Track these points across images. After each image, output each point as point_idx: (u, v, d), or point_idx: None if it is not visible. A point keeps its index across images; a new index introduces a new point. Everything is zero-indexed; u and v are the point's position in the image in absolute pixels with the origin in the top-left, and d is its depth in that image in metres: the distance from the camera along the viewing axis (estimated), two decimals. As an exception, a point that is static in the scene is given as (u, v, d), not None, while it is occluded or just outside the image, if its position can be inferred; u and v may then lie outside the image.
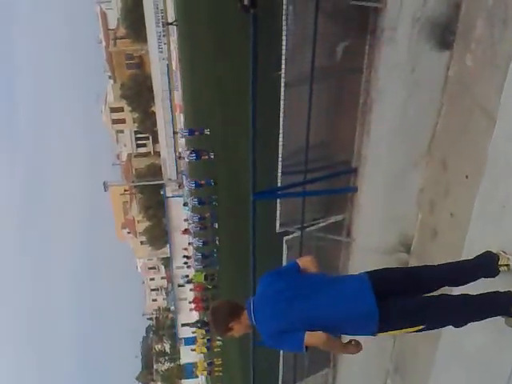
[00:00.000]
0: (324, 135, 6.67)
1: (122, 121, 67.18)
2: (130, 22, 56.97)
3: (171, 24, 42.97)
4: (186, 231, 40.95)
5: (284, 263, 7.08)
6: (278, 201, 6.87)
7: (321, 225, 7.05)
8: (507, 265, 3.51)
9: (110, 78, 68.05)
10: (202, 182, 30.00)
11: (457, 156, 4.50)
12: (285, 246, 7.06)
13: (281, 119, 6.17)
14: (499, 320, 3.46)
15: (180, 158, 40.81)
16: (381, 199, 5.83)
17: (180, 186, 38.86)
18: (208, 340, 41.30)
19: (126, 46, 63.06)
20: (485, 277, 3.54)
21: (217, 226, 30.25)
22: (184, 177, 35.76)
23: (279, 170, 6.57)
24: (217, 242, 31.40)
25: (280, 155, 6.43)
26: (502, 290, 3.41)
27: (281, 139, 6.33)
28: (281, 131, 6.25)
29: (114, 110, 66.28)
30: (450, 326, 3.56)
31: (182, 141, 38.54)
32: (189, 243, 42.37)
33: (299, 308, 3.37)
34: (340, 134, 6.53)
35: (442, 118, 4.72)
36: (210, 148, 27.00)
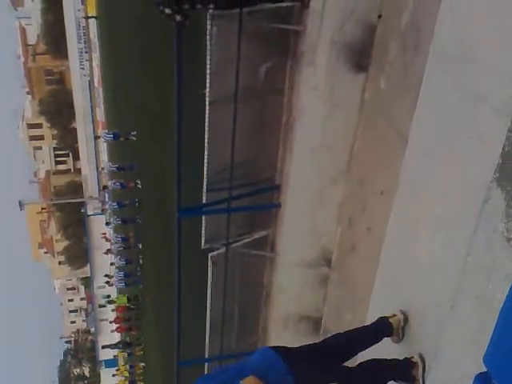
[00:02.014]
0: (248, 153, 6.75)
1: (41, 137, 64.71)
2: (51, 38, 55.34)
3: (90, 17, 42.03)
4: (108, 251, 39.72)
5: (209, 279, 7.06)
6: (204, 217, 6.85)
7: (246, 240, 7.09)
8: (394, 315, 3.78)
9: (28, 93, 65.51)
10: (126, 202, 29.25)
11: (373, 173, 4.70)
12: (210, 262, 7.03)
13: (206, 137, 6.19)
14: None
15: (101, 170, 39.46)
16: (303, 215, 5.97)
17: (103, 210, 37.70)
18: (130, 366, 39.99)
19: (45, 61, 61.09)
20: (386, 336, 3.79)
21: (140, 246, 29.59)
22: (107, 196, 34.72)
23: (204, 187, 6.57)
24: (140, 261, 30.70)
25: (205, 172, 6.44)
26: (401, 358, 3.65)
27: (206, 156, 6.34)
28: (206, 148, 6.26)
29: (31, 126, 63.78)
30: None
31: (104, 157, 37.39)
32: (111, 263, 41.11)
33: None
34: (264, 151, 6.63)
35: (359, 138, 4.93)
36: (135, 162, 26.43)
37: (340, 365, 3.64)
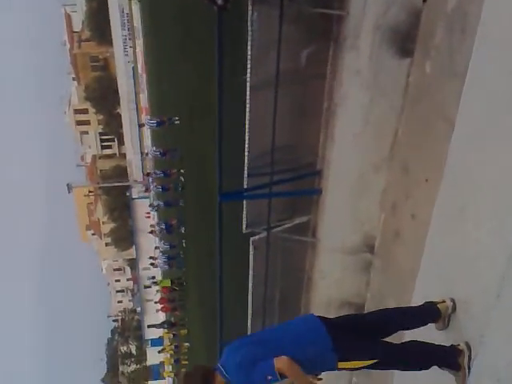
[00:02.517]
0: (289, 138, 6.72)
1: (87, 122, 66.17)
2: (95, 25, 56.18)
3: None
4: (152, 232, 40.45)
5: (251, 263, 7.12)
6: (245, 202, 6.88)
7: (287, 226, 7.09)
8: (443, 301, 3.72)
9: (74, 79, 66.91)
10: (170, 185, 29.69)
11: (417, 160, 4.61)
12: (251, 247, 7.07)
13: (247, 122, 6.18)
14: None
15: (145, 155, 40.04)
16: (345, 201, 5.91)
17: (147, 190, 38.35)
18: (176, 346, 40.83)
19: (90, 48, 62.13)
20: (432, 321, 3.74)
21: (183, 231, 30.01)
22: (151, 180, 35.31)
23: (245, 172, 6.59)
24: (183, 245, 31.16)
25: (246, 157, 6.45)
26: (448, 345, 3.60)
27: (247, 141, 6.35)
28: (247, 134, 6.27)
29: (78, 111, 65.26)
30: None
31: (148, 142, 37.88)
32: (155, 247, 41.96)
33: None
34: (305, 137, 6.59)
35: (403, 124, 4.82)
36: (178, 149, 26.70)
37: (383, 341, 3.61)
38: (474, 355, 3.50)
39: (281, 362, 3.30)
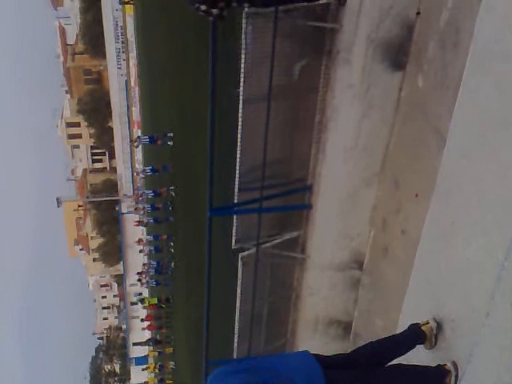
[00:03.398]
0: (281, 152, 6.71)
1: (78, 136, 66.18)
2: (89, 38, 56.55)
3: (127, 3, 42.47)
4: (141, 251, 40.14)
5: (239, 280, 7.05)
6: (235, 217, 6.84)
7: (276, 241, 7.05)
8: (427, 323, 3.70)
9: (67, 92, 67.08)
10: (159, 205, 29.63)
11: (408, 174, 4.60)
12: (240, 263, 7.01)
13: (239, 136, 6.17)
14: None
15: (137, 174, 40.07)
16: (335, 216, 5.89)
17: (136, 209, 38.26)
18: (160, 366, 40.35)
19: (84, 61, 62.44)
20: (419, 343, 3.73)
21: (172, 249, 29.92)
22: (141, 196, 35.25)
23: (236, 187, 6.56)
24: (172, 265, 31.02)
25: (237, 172, 6.43)
26: (434, 365, 3.59)
27: (238, 156, 6.33)
28: (238, 147, 6.25)
29: (70, 124, 65.29)
30: None
31: (139, 156, 37.88)
32: (143, 264, 41.69)
33: None
34: (296, 151, 6.58)
35: (395, 138, 4.82)
36: (169, 163, 26.66)
37: (374, 372, 3.57)
38: (461, 375, 3.47)
39: None
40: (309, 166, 6.26)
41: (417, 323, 3.78)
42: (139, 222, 37.03)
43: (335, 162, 5.64)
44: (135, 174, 43.57)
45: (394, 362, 3.74)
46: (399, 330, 4.30)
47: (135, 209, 39.30)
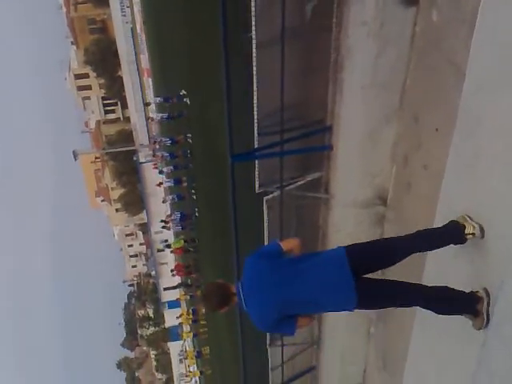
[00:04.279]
0: (298, 95, 6.74)
1: (88, 87, 65.80)
2: (91, -14, 55.30)
3: None
4: (164, 201, 40.47)
5: (265, 223, 7.25)
6: (256, 162, 6.96)
7: (299, 183, 7.18)
8: (473, 233, 3.72)
9: (72, 44, 66.22)
10: (178, 153, 29.68)
11: (427, 109, 4.65)
12: (265, 206, 7.18)
13: (254, 80, 6.20)
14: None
15: (152, 120, 39.80)
16: (356, 155, 5.99)
17: (155, 156, 38.35)
18: (193, 310, 41.49)
19: (87, 10, 61.24)
20: (454, 244, 3.80)
21: (195, 196, 30.17)
22: (158, 144, 35.32)
23: (255, 131, 6.64)
24: (196, 213, 31.35)
25: (255, 116, 6.48)
26: (467, 291, 3.69)
27: (255, 100, 6.37)
28: (255, 92, 6.29)
29: (78, 76, 64.82)
30: None
31: (153, 106, 37.74)
32: (167, 215, 42.33)
33: (284, 294, 3.60)
34: (313, 92, 6.61)
35: (412, 73, 4.84)
36: (184, 111, 26.49)
37: (407, 285, 3.74)
38: (492, 302, 3.58)
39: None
40: (327, 106, 6.31)
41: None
42: (156, 165, 37.16)
43: (353, 101, 5.68)
44: (150, 120, 43.39)
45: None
46: (425, 267, 4.51)
47: (154, 156, 39.43)
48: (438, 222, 4.13)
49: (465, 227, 3.74)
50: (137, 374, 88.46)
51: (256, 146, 6.82)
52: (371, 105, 5.43)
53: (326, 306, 3.74)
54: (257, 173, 6.98)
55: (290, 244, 3.81)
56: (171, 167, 32.78)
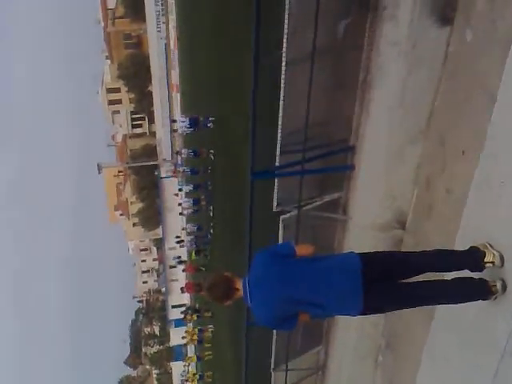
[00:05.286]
0: (323, 113, 6.71)
1: (119, 101, 66.95)
2: (129, 1, 56.62)
3: None
4: (181, 214, 40.71)
5: (280, 242, 7.15)
6: (276, 180, 6.92)
7: (317, 203, 7.11)
8: (492, 262, 3.64)
9: (107, 58, 67.66)
10: (199, 168, 29.85)
11: (454, 132, 4.57)
12: (281, 225, 7.10)
13: (281, 98, 6.20)
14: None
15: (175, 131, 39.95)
16: (377, 176, 5.91)
17: (174, 173, 38.74)
18: (199, 330, 41.27)
19: (124, 25, 62.58)
20: (471, 271, 3.70)
21: (211, 212, 30.24)
22: (179, 159, 35.67)
23: (278, 149, 6.61)
24: (211, 229, 31.42)
25: (279, 134, 6.46)
26: (476, 277, 3.62)
27: (280, 118, 6.35)
28: (280, 110, 6.27)
29: (110, 90, 66.05)
30: None
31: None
32: (182, 228, 42.47)
33: (292, 295, 3.59)
34: (339, 111, 6.58)
35: (441, 95, 4.78)
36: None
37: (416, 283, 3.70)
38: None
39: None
40: (352, 126, 6.27)
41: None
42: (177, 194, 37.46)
43: (379, 121, 5.63)
44: (174, 132, 43.69)
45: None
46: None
47: (174, 172, 39.73)
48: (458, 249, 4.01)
49: (485, 254, 3.64)
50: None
51: (277, 164, 6.78)
52: (397, 125, 5.37)
53: (331, 309, 3.72)
54: (275, 191, 6.93)
55: (304, 250, 3.76)
56: (191, 187, 33.00)
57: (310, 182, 7.20)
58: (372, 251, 3.81)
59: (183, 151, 31.80)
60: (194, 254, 36.47)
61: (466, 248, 3.78)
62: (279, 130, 6.42)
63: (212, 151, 26.82)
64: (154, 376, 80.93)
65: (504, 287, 3.59)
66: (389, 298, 3.65)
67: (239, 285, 3.74)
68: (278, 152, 6.63)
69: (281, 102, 6.21)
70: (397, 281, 3.70)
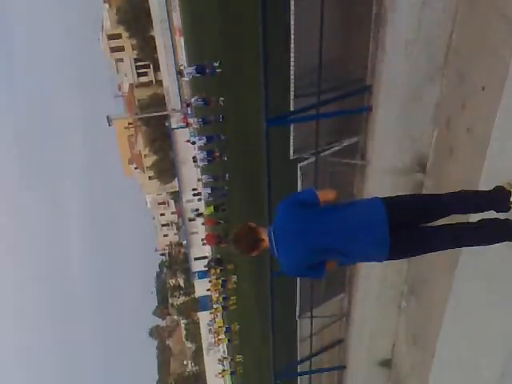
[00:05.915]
0: (337, 52, 6.58)
1: (121, 48, 66.25)
2: None
3: None
4: (194, 160, 40.72)
5: (300, 190, 7.18)
6: (292, 126, 6.87)
7: (335, 149, 7.09)
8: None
9: (105, 2, 66.47)
10: (211, 118, 29.66)
11: (474, 67, 4.46)
12: (299, 173, 7.12)
13: (291, 37, 6.06)
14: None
15: (181, 75, 39.51)
16: (396, 118, 5.84)
17: (188, 125, 38.52)
18: (223, 281, 42.09)
19: (120, -34, 61.12)
20: (496, 211, 3.72)
21: (226, 158, 30.27)
22: (189, 110, 35.41)
23: (291, 93, 6.51)
24: (227, 177, 31.56)
25: (292, 76, 6.36)
26: (502, 218, 3.63)
27: (292, 59, 6.23)
28: (292, 50, 6.15)
29: (111, 36, 65.29)
30: None
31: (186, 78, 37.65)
32: (198, 179, 42.72)
33: (316, 242, 3.67)
34: (353, 49, 6.44)
35: (458, 27, 4.65)
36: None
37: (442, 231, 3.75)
38: None
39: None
40: (367, 64, 6.15)
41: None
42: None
43: (396, 57, 5.51)
44: (180, 77, 43.12)
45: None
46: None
47: (186, 123, 39.60)
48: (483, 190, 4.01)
49: (511, 194, 3.65)
50: (167, 343, 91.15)
51: (292, 109, 6.71)
52: (415, 62, 5.25)
53: (357, 256, 3.84)
54: (292, 138, 6.90)
55: (326, 195, 3.82)
56: (204, 140, 32.88)
57: (326, 127, 7.15)
58: (394, 195, 3.84)
59: (192, 101, 31.54)
60: (212, 208, 36.83)
61: (491, 188, 3.79)
62: (292, 72, 6.31)
63: (222, 98, 26.58)
64: (183, 326, 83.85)
65: None
66: (414, 243, 3.71)
67: (264, 235, 3.82)
68: (291, 96, 6.55)
69: (292, 42, 6.07)
70: (421, 224, 3.76)
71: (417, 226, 3.75)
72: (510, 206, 3.67)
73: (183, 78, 37.50)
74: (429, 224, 3.77)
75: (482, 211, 3.77)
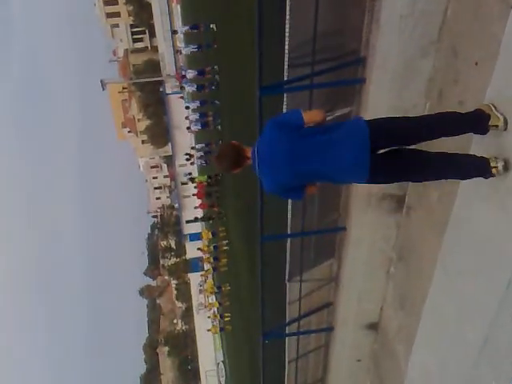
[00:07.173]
0: (331, 24, 6.51)
1: (117, 14, 64.96)
2: None
3: None
4: (188, 129, 40.61)
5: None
6: (285, 95, 6.82)
7: (328, 119, 7.05)
8: (496, 125, 3.68)
9: (100, -35, 64.79)
10: (205, 84, 29.38)
11: (467, 42, 4.45)
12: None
13: (287, 7, 5.98)
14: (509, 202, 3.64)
15: (179, 52, 39.39)
16: (389, 89, 5.81)
17: (181, 88, 38.12)
18: (215, 247, 42.12)
19: None
20: (474, 133, 3.78)
21: (220, 128, 30.07)
22: (184, 73, 34.91)
23: (285, 63, 6.45)
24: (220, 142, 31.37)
25: (286, 46, 6.28)
26: (478, 155, 3.71)
27: (287, 28, 6.16)
28: (287, 20, 6.07)
29: (107, 2, 63.86)
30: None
31: (180, 36, 37.17)
32: (192, 147, 42.36)
33: (298, 166, 3.64)
34: (348, 21, 6.38)
35: (453, 2, 4.61)
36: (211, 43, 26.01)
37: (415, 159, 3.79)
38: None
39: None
40: (361, 37, 6.08)
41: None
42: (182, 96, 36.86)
43: (390, 31, 5.45)
44: (178, 53, 42.74)
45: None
46: (457, 204, 4.44)
47: (180, 88, 39.16)
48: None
49: (490, 117, 3.68)
50: (158, 302, 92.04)
51: (285, 79, 6.65)
52: (409, 35, 5.21)
53: (338, 179, 3.82)
54: (285, 107, 6.85)
55: (313, 116, 3.77)
56: (197, 103, 32.56)
57: (319, 97, 7.10)
58: (379, 118, 3.81)
59: (188, 72, 31.18)
60: (205, 177, 36.78)
61: (471, 110, 3.81)
62: (286, 41, 6.23)
63: (216, 67, 26.30)
64: (173, 286, 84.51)
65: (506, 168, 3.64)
66: (393, 168, 3.71)
67: (248, 153, 3.78)
68: (286, 65, 6.49)
69: (287, 11, 5.98)
70: (402, 146, 3.75)
71: (397, 148, 3.74)
72: (488, 128, 3.71)
73: (181, 53, 36.96)
74: (409, 147, 3.77)
75: (462, 133, 3.81)
